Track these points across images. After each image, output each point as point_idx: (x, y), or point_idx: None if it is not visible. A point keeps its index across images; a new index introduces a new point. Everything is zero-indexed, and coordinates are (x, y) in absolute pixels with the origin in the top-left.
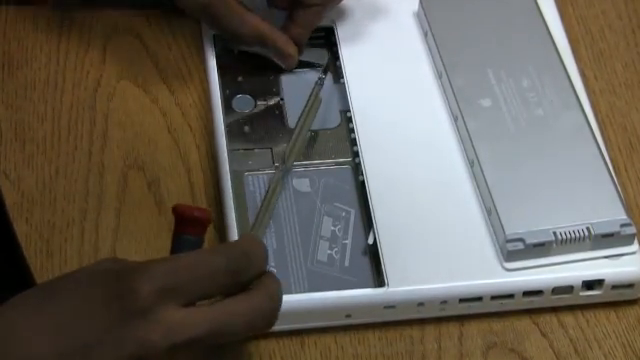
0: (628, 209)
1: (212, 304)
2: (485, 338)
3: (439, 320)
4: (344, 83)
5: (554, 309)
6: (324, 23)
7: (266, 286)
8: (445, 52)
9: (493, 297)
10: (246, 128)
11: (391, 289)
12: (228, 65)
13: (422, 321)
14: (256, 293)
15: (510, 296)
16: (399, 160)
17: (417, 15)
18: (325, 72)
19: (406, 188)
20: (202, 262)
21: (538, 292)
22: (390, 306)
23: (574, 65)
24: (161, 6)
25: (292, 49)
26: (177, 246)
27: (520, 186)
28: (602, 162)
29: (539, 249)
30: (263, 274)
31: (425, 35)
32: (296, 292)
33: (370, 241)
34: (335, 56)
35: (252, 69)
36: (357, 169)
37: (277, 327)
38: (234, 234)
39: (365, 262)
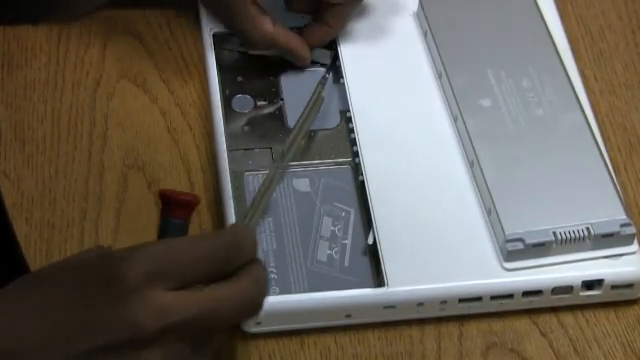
0: (628, 209)
1: (199, 289)
2: (485, 338)
3: (439, 320)
4: (344, 83)
5: (554, 309)
6: None
7: (252, 273)
8: (445, 52)
9: (493, 297)
10: (246, 128)
11: (391, 289)
12: (228, 65)
13: (422, 321)
14: (243, 279)
15: (510, 296)
16: (399, 160)
17: (417, 15)
18: (328, 71)
19: (406, 188)
20: (189, 247)
21: (538, 292)
22: (390, 306)
23: (574, 65)
24: (161, 6)
25: (305, 52)
26: (163, 229)
27: (520, 186)
28: (602, 162)
29: (539, 249)
30: (251, 262)
31: (425, 35)
32: (296, 292)
33: (370, 241)
34: (335, 56)
35: (252, 69)
36: (357, 169)
37: (277, 327)
38: None
39: (365, 262)
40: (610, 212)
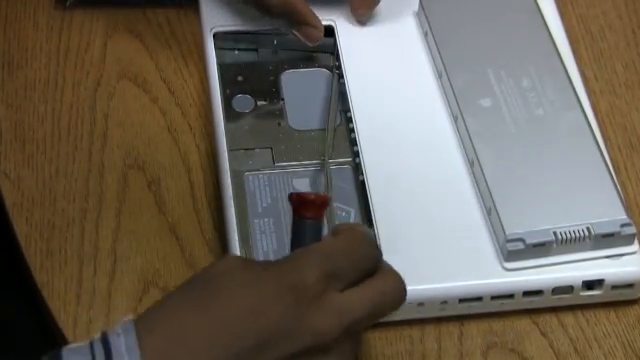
0: (628, 209)
1: (363, 286)
2: (485, 338)
3: (439, 320)
4: (344, 83)
5: (554, 309)
6: (324, 22)
7: (390, 268)
8: (445, 52)
9: (493, 297)
10: (246, 128)
11: None
12: (228, 65)
13: (422, 321)
14: (388, 272)
15: (510, 296)
16: (399, 160)
17: (417, 15)
18: (338, 58)
19: (406, 188)
20: (348, 248)
21: (538, 292)
22: None
23: (574, 65)
24: (161, 5)
25: (318, 23)
26: (299, 231)
27: (520, 186)
28: (602, 162)
29: (539, 249)
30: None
31: (425, 35)
32: None
33: None
34: (336, 56)
35: (252, 69)
36: (357, 169)
37: None
38: (234, 234)
39: None
40: (610, 212)
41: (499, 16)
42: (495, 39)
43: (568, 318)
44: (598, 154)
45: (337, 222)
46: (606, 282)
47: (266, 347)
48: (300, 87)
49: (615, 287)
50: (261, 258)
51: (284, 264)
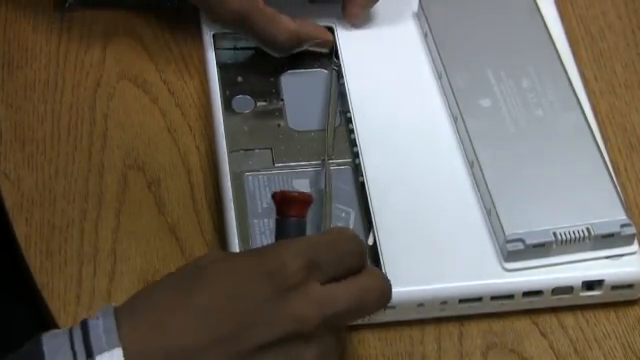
0: (628, 209)
1: (345, 282)
2: (485, 338)
3: (439, 320)
4: (344, 83)
5: (554, 309)
6: (324, 23)
7: (375, 269)
8: (445, 52)
9: (493, 297)
10: (246, 128)
11: None
12: (228, 65)
13: (422, 321)
14: (373, 272)
15: (510, 297)
16: (399, 161)
17: (417, 15)
18: (337, 57)
19: (406, 189)
20: (332, 242)
21: (538, 292)
22: (390, 307)
23: (574, 66)
24: (161, 6)
25: (328, 34)
26: (283, 229)
27: (520, 186)
28: (602, 162)
29: (539, 249)
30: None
31: (425, 36)
32: None
33: (370, 242)
34: (335, 56)
35: (252, 69)
36: (357, 170)
37: None
38: (234, 235)
39: None
40: (610, 212)
41: (499, 17)
42: (495, 40)
43: (568, 319)
44: (598, 154)
45: (337, 223)
46: (606, 282)
47: (245, 333)
48: (300, 88)
49: (615, 287)
50: None
51: (265, 252)
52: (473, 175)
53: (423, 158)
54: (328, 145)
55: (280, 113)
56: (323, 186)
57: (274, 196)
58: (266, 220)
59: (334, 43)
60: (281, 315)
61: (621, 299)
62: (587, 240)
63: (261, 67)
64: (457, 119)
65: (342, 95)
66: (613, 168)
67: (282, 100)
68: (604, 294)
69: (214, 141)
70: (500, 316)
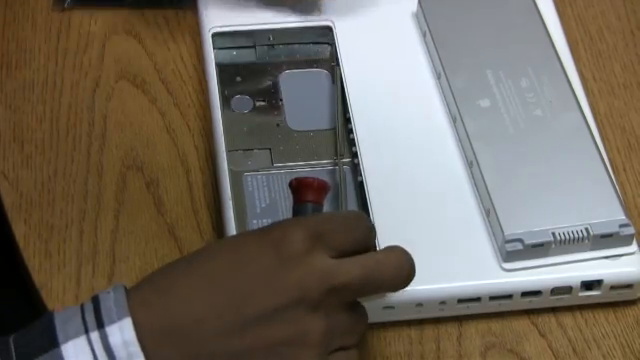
0: (627, 210)
1: (357, 256)
2: (484, 338)
3: (438, 320)
4: (343, 83)
5: (553, 309)
6: (323, 22)
7: (396, 246)
8: (444, 53)
9: (492, 297)
10: (245, 128)
11: None
12: (227, 65)
13: (421, 322)
14: (394, 248)
15: (509, 297)
16: (398, 161)
17: (416, 15)
18: (336, 59)
19: (405, 189)
20: (341, 218)
21: (537, 292)
22: (389, 307)
23: (573, 66)
24: (160, 6)
25: None
26: (300, 215)
27: (519, 187)
28: (601, 163)
29: (538, 249)
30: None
31: (424, 36)
32: None
33: None
34: (334, 56)
35: (251, 69)
36: (356, 170)
37: None
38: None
39: None
40: (609, 213)
41: (498, 17)
42: (494, 40)
43: (567, 319)
44: (597, 155)
45: None
46: (605, 282)
47: (249, 300)
48: (299, 88)
49: (614, 287)
50: None
51: (272, 226)
52: (472, 175)
53: (422, 158)
54: (339, 143)
55: (279, 113)
56: (337, 184)
57: (290, 184)
58: (265, 220)
59: (333, 41)
60: (284, 283)
61: (620, 299)
62: (586, 240)
63: (260, 67)
64: (456, 119)
65: (341, 95)
66: (612, 168)
67: (281, 100)
68: (603, 294)
69: (213, 141)
70: (499, 316)
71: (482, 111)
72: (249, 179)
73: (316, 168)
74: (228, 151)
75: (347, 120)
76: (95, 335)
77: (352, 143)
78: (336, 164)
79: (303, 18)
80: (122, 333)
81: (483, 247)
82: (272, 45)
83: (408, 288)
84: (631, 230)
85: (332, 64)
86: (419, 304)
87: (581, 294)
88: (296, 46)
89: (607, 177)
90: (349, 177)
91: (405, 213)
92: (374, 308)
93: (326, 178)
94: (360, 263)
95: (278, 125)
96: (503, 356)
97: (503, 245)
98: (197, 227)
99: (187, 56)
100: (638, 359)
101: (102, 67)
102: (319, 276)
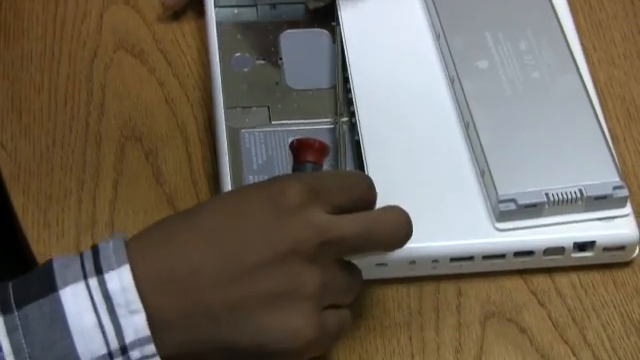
0: (626, 179)
1: (355, 213)
2: (483, 308)
3: (437, 290)
4: (342, 43)
5: (552, 278)
6: None
7: (394, 205)
8: (443, 14)
9: (485, 257)
10: (244, 86)
11: None
12: (227, 24)
13: (420, 292)
14: (391, 207)
15: (501, 256)
16: (395, 120)
17: None
18: (336, 18)
19: (401, 148)
20: (339, 175)
21: (529, 253)
22: (382, 264)
23: (575, 34)
24: None
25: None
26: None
27: (514, 148)
28: (597, 125)
29: (531, 210)
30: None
31: None
32: None
33: None
34: (335, 16)
35: (251, 28)
36: (353, 129)
37: None
38: (229, 189)
39: None
40: (603, 174)
41: None
42: (494, 2)
43: (566, 288)
44: (593, 117)
45: None
46: (597, 244)
47: (245, 250)
48: (299, 47)
49: (607, 249)
50: None
51: (270, 179)
52: (468, 136)
53: (419, 118)
54: (339, 103)
55: (278, 72)
56: (335, 143)
57: (291, 144)
58: (262, 176)
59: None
60: (279, 234)
61: (613, 261)
62: (579, 201)
63: (260, 26)
64: (454, 80)
65: (341, 55)
66: (611, 138)
67: (281, 59)
68: (596, 255)
69: (211, 97)
70: (498, 286)
71: (480, 72)
72: (247, 136)
73: (314, 127)
74: (226, 108)
75: (345, 80)
76: (94, 281)
77: (350, 102)
78: (335, 123)
79: None
80: (120, 280)
81: (477, 207)
82: (273, 4)
83: None
84: (625, 192)
85: (332, 24)
86: (412, 262)
87: (574, 255)
88: (297, 6)
89: (603, 140)
90: (346, 136)
91: (401, 172)
92: (367, 265)
93: (324, 137)
94: (356, 220)
95: (277, 83)
96: (502, 326)
97: (497, 205)
98: (196, 197)
99: (186, 26)
100: (637, 328)
101: (100, 37)
102: (313, 229)
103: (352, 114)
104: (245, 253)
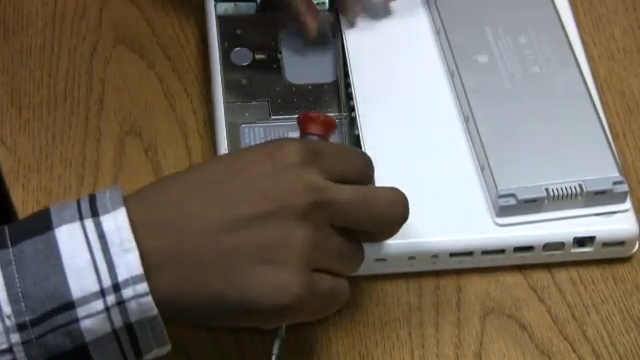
0: (626, 174)
1: (353, 185)
2: (483, 304)
3: (437, 287)
4: (342, 37)
5: (552, 274)
6: None
7: (392, 186)
8: (443, 8)
9: (484, 252)
10: (244, 81)
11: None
12: (227, 18)
13: (420, 288)
14: (389, 186)
15: (501, 251)
16: (395, 115)
17: None
18: (337, 18)
19: (401, 142)
20: (338, 146)
21: (529, 248)
22: (381, 259)
23: (575, 29)
24: None
25: (312, 24)
26: None
27: (514, 142)
28: (597, 120)
29: (531, 205)
30: None
31: None
32: None
33: None
34: (334, 12)
35: (251, 22)
36: (353, 123)
37: None
38: None
39: None
40: (603, 170)
41: None
42: None
43: (566, 284)
44: (593, 112)
45: None
46: (597, 239)
47: (240, 202)
48: (299, 42)
49: (606, 245)
50: None
51: (271, 140)
52: (468, 130)
53: (418, 112)
54: (342, 97)
55: (278, 66)
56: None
57: (298, 118)
58: None
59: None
60: (272, 189)
61: (612, 256)
62: (579, 197)
63: (260, 20)
64: (454, 74)
65: (341, 50)
66: (611, 133)
67: (280, 53)
68: (595, 251)
69: (211, 92)
70: (498, 282)
71: (480, 67)
72: (246, 131)
73: None
74: (226, 103)
75: (345, 74)
76: (89, 222)
77: (350, 97)
78: (338, 118)
79: None
80: (116, 220)
81: (477, 202)
82: None
83: (401, 240)
84: (625, 187)
85: (332, 19)
86: (412, 257)
87: (573, 250)
88: None
89: (602, 135)
90: (346, 131)
91: (400, 167)
92: (367, 260)
93: None
94: (352, 188)
95: (277, 78)
96: (502, 321)
97: (496, 200)
98: None
99: (185, 21)
100: (637, 324)
101: (100, 32)
102: (307, 187)
103: (352, 109)
104: (238, 205)
